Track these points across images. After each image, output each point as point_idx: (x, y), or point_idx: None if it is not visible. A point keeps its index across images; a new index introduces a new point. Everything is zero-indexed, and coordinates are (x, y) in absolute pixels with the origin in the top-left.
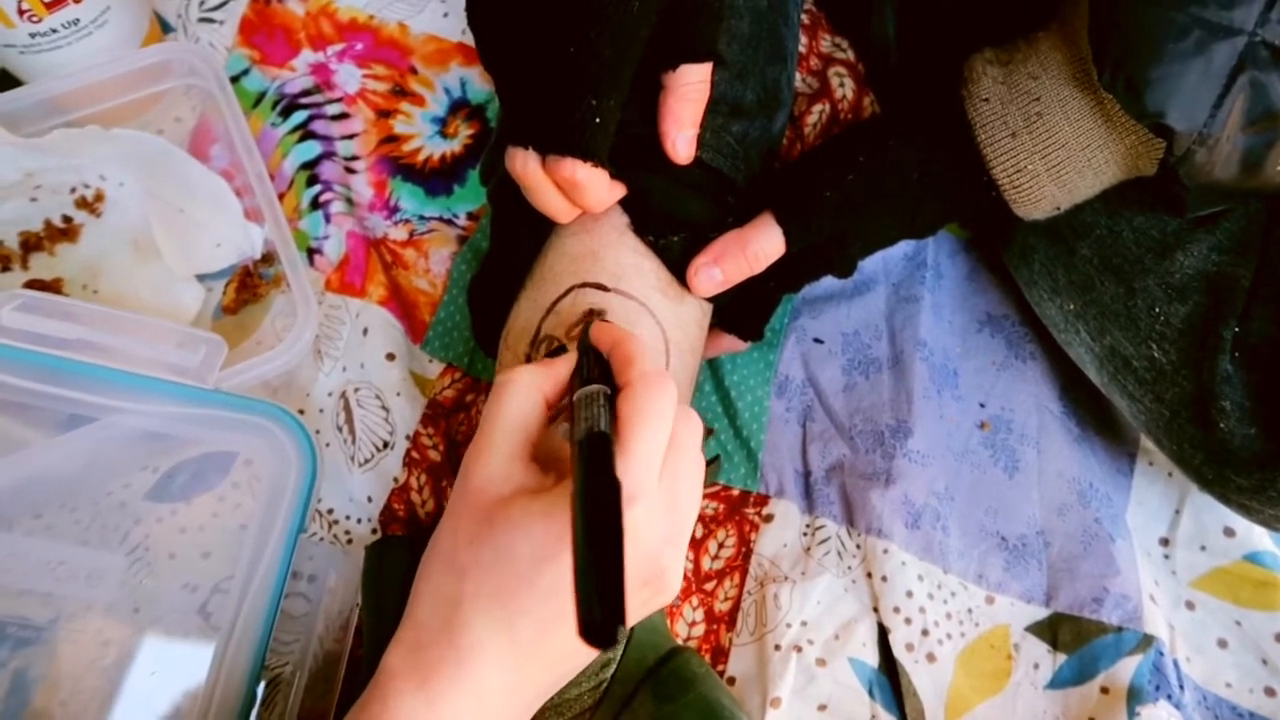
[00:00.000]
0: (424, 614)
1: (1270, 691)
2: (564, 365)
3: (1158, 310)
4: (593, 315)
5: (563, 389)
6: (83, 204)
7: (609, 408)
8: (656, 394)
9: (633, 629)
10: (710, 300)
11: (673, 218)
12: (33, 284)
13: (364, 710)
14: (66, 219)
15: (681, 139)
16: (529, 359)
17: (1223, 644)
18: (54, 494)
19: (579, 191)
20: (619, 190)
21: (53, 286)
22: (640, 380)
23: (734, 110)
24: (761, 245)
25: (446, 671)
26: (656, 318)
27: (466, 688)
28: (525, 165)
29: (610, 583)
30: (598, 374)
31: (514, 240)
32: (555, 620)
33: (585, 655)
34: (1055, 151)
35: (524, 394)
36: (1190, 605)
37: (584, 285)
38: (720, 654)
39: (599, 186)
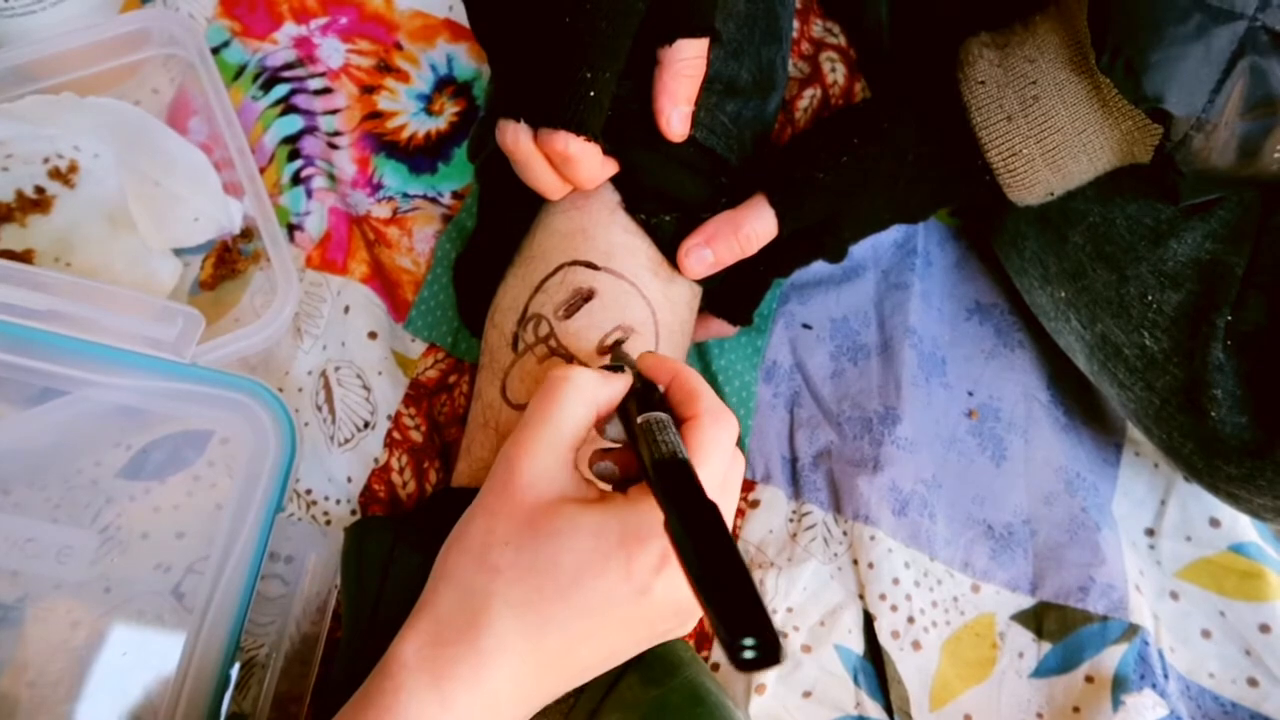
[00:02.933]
0: (447, 607)
1: (1253, 682)
2: (620, 384)
3: (1150, 298)
4: (581, 297)
5: (613, 406)
6: (56, 174)
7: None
8: (724, 431)
9: None
10: (700, 282)
11: (665, 196)
12: (2, 255)
13: (372, 699)
14: (39, 189)
15: (676, 115)
16: (516, 337)
17: (1206, 634)
18: (23, 470)
19: (571, 166)
20: (611, 167)
21: (23, 258)
22: (709, 415)
23: (729, 89)
24: (754, 227)
25: (465, 672)
26: (646, 298)
27: (482, 690)
28: (516, 138)
29: (751, 602)
30: (656, 402)
31: (502, 217)
32: (583, 636)
33: (596, 674)
34: (1051, 136)
35: (583, 400)
36: (1174, 595)
37: (574, 263)
38: (705, 640)
39: (591, 162)
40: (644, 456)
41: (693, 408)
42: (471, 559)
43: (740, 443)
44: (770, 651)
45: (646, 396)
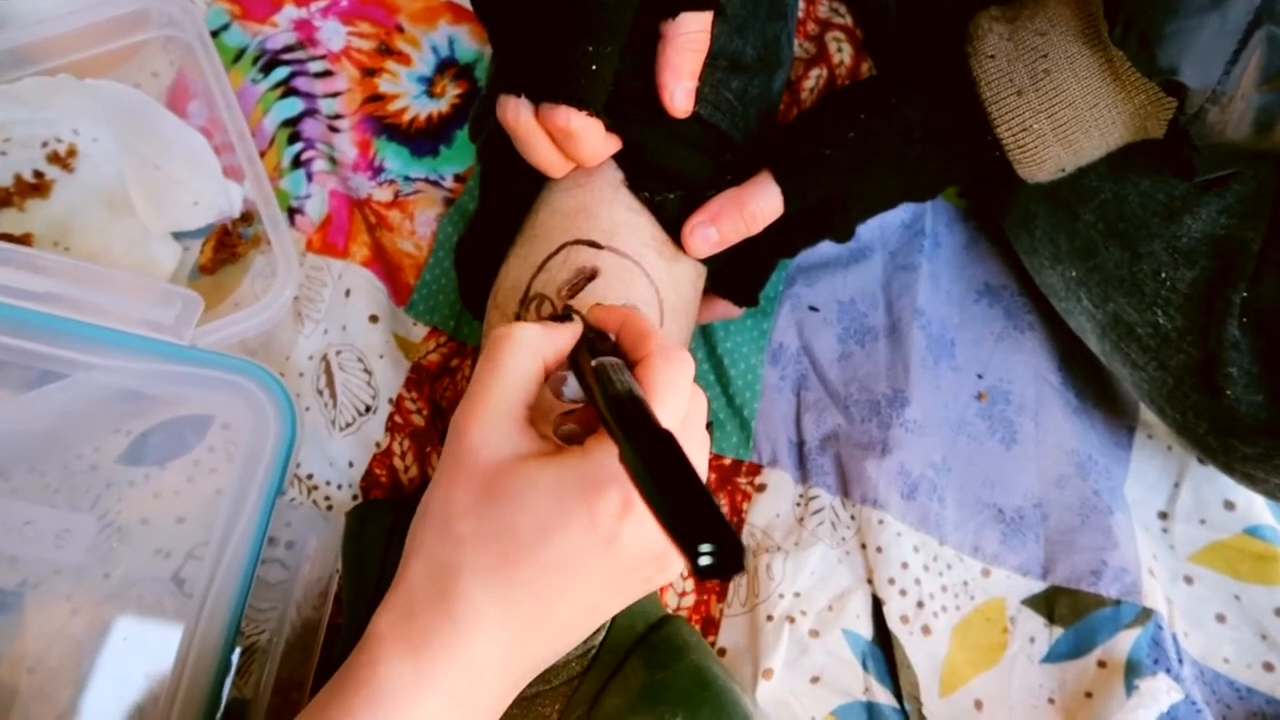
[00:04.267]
0: (417, 581)
1: (1269, 666)
2: (568, 333)
3: (1164, 275)
4: (584, 276)
5: (562, 357)
6: (55, 159)
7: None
8: (676, 368)
9: None
10: (705, 263)
11: (669, 174)
12: (1, 239)
13: (350, 673)
14: (38, 174)
15: (680, 90)
16: (519, 318)
17: (1221, 619)
18: (21, 455)
19: (573, 142)
20: (614, 143)
21: (22, 243)
22: (660, 353)
23: (733, 65)
24: (759, 204)
25: (439, 640)
26: (650, 277)
27: (460, 658)
28: (518, 114)
29: (706, 510)
30: (608, 350)
31: (504, 197)
32: (556, 594)
33: (583, 632)
34: (1062, 110)
35: (526, 353)
36: (1188, 580)
37: (576, 242)
38: (711, 625)
39: (594, 137)
40: (597, 399)
41: (643, 348)
42: (435, 531)
43: (746, 426)
44: (732, 557)
45: (598, 345)
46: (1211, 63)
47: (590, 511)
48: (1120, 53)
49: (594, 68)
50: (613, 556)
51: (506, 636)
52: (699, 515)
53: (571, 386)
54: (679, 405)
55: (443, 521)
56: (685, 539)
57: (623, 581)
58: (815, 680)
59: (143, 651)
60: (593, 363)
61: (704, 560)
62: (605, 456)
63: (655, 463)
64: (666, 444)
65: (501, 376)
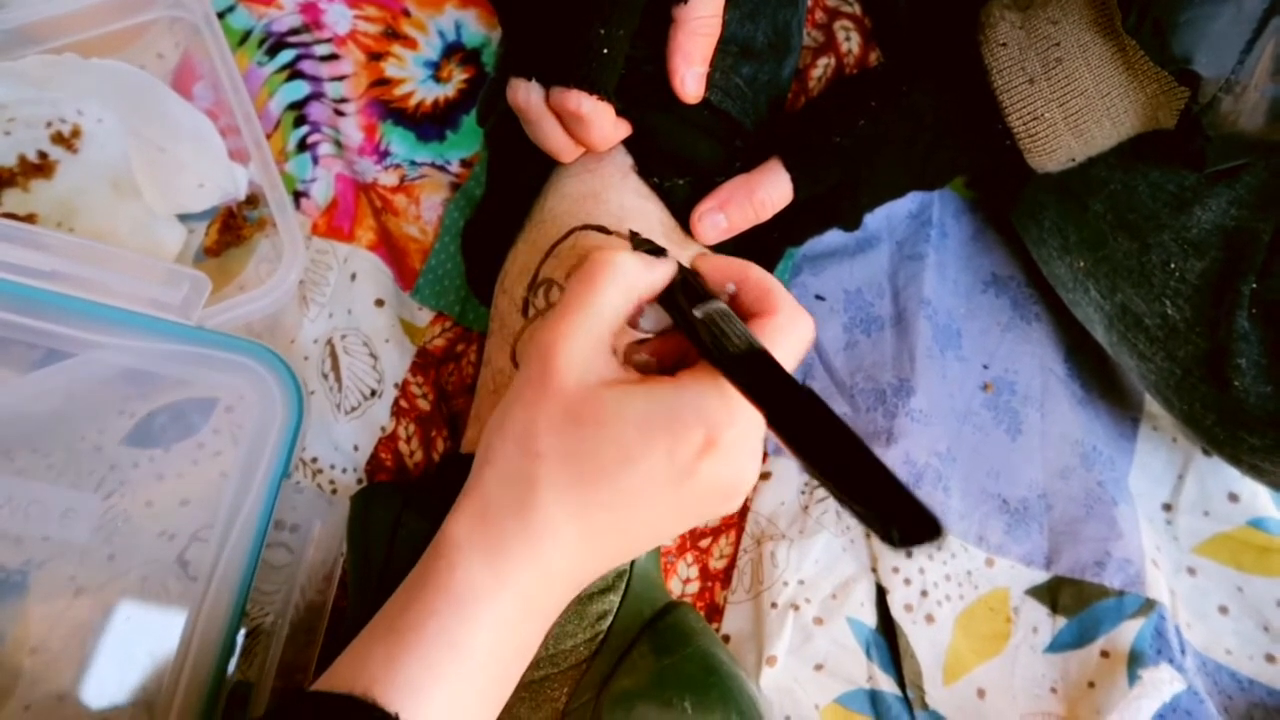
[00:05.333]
0: (491, 489)
1: (1271, 658)
2: (663, 270)
3: (1173, 266)
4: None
5: (654, 294)
6: (59, 139)
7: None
8: (804, 328)
9: (629, 583)
10: (712, 249)
11: (679, 159)
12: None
13: (428, 578)
14: (42, 155)
15: (691, 76)
16: (527, 303)
17: (1223, 610)
18: (25, 435)
19: (583, 126)
20: (624, 128)
21: (27, 223)
22: (787, 313)
23: (744, 51)
24: (769, 192)
25: (516, 548)
26: None
27: (536, 566)
28: (528, 97)
29: (889, 484)
30: (704, 293)
31: (512, 181)
32: (628, 518)
33: (639, 552)
34: (1074, 99)
35: (624, 285)
36: (1191, 571)
37: (585, 227)
38: (715, 612)
39: (604, 122)
40: (711, 350)
41: (766, 302)
42: (514, 445)
43: None
44: (926, 525)
45: (696, 289)
46: (1226, 52)
47: (673, 445)
48: (1133, 41)
49: (606, 51)
50: (686, 489)
51: (578, 550)
52: (881, 489)
53: (649, 318)
54: (794, 365)
55: (524, 437)
56: (879, 520)
57: (689, 512)
58: (819, 668)
59: (147, 634)
60: (697, 312)
61: (899, 536)
62: (695, 395)
63: (813, 430)
64: (813, 404)
65: (596, 303)
